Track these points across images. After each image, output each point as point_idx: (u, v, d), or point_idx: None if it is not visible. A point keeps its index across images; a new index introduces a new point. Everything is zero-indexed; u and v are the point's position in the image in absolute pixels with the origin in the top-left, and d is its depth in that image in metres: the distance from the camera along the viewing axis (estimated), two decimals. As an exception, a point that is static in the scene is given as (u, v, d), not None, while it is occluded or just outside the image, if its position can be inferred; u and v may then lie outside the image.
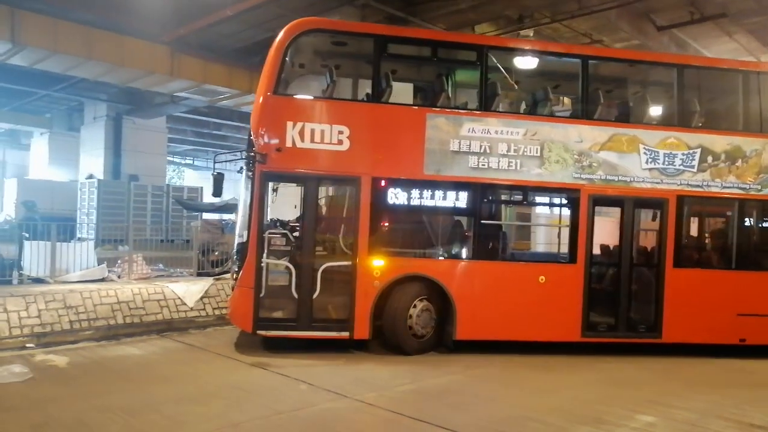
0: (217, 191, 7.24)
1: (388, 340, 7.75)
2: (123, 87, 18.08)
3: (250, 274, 7.36)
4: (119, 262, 10.40)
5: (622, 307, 8.15)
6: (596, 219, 8.04)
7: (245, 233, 7.58)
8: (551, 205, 8.66)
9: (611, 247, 8.73)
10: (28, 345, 7.50)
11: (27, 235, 10.00)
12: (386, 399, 5.85)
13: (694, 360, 8.07)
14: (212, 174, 7.18)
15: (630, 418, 5.57)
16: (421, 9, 12.53)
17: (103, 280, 9.57)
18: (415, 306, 7.62)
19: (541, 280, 7.95)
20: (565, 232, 8.20)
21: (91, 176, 21.68)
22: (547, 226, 10.05)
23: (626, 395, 6.39)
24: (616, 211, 8.35)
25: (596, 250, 8.51)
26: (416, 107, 8.13)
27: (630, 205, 8.23)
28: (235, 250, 7.77)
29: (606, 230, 8.83)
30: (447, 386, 6.51)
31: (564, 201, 8.35)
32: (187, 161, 38.13)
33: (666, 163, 8.17)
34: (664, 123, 8.80)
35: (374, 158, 7.63)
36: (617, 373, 7.42)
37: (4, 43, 12.87)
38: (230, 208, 14.60)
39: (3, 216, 21.25)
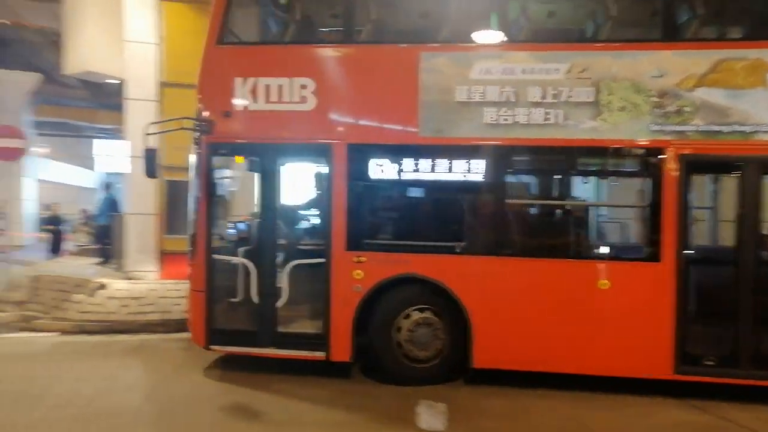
0: (150, 170, 5.85)
1: (375, 363, 5.76)
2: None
3: (200, 273, 5.87)
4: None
5: (742, 330, 5.19)
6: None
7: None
8: (617, 174, 5.85)
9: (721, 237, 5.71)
10: None
11: None
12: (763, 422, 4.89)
13: None
14: (144, 150, 5.79)
15: None
16: None
17: None
18: (407, 317, 5.56)
19: (603, 285, 5.32)
20: (642, 215, 5.47)
21: None
22: (612, 206, 6.94)
23: None
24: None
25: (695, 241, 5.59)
26: (405, 45, 5.88)
27: (755, 169, 5.22)
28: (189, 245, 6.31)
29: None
30: None
31: (638, 168, 5.54)
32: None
33: (820, 99, 5.05)
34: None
35: (350, 119, 5.69)
36: None
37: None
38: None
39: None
